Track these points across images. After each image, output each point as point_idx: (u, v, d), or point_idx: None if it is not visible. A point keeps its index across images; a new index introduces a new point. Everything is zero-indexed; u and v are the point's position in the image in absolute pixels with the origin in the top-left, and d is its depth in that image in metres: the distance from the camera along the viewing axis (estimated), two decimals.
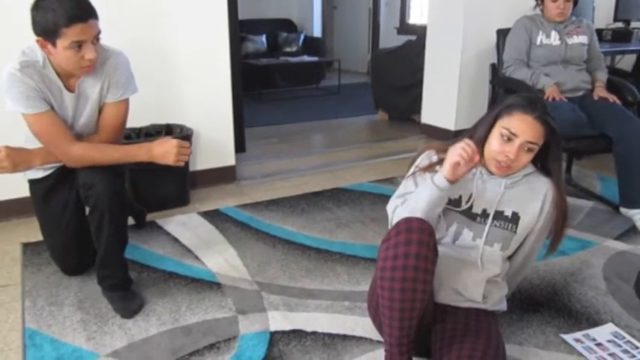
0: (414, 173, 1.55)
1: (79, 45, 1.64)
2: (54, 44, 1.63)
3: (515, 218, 1.51)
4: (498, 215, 1.51)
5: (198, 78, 2.96)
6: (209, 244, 2.36)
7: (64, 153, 1.79)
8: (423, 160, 1.57)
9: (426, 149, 1.59)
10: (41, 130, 1.77)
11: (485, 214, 1.51)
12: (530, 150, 1.45)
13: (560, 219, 1.51)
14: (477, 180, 1.53)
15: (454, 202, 1.53)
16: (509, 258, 1.60)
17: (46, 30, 1.61)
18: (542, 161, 1.54)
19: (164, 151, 1.79)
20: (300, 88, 6.76)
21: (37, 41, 1.66)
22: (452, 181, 1.38)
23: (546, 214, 1.52)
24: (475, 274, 1.50)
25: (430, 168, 1.53)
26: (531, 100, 1.47)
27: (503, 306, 1.60)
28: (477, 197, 1.51)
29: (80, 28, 1.61)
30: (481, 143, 1.49)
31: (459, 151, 1.35)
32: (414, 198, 1.44)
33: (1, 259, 2.23)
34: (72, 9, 1.59)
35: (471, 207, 1.52)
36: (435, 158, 1.55)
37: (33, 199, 1.99)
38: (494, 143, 1.46)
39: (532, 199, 1.52)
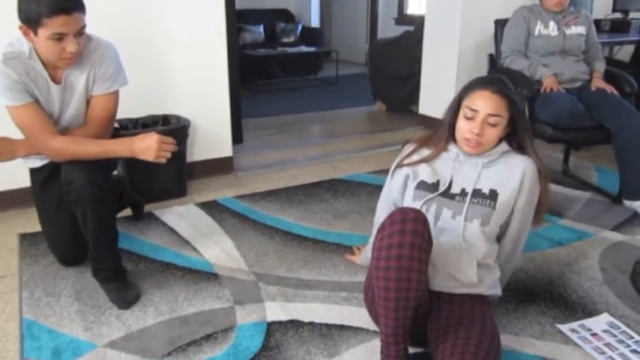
0: (394, 169, 1.66)
1: (60, 37, 1.61)
2: (35, 33, 1.61)
3: (493, 195, 1.53)
4: (476, 193, 1.54)
5: (196, 69, 2.95)
6: (206, 235, 2.36)
7: (44, 146, 1.77)
8: (402, 154, 1.66)
9: (408, 142, 1.69)
10: (22, 122, 1.75)
11: (463, 193, 1.55)
12: (494, 124, 1.50)
13: (543, 189, 1.56)
14: (455, 162, 1.58)
15: (432, 187, 1.57)
16: (499, 242, 1.61)
17: (28, 18, 1.58)
18: (513, 136, 1.57)
19: (145, 147, 1.70)
20: (297, 79, 6.73)
21: (20, 28, 1.63)
22: None
23: (527, 191, 1.54)
24: (465, 254, 1.51)
25: (406, 159, 1.64)
26: (489, 78, 1.59)
27: (497, 290, 1.61)
28: (455, 178, 1.56)
29: (63, 20, 1.57)
30: (452, 128, 1.58)
31: None
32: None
33: None
34: (56, 0, 1.55)
35: (449, 188, 1.56)
36: (409, 150, 1.65)
37: (33, 188, 1.99)
38: (461, 124, 1.54)
39: (510, 176, 1.54)
